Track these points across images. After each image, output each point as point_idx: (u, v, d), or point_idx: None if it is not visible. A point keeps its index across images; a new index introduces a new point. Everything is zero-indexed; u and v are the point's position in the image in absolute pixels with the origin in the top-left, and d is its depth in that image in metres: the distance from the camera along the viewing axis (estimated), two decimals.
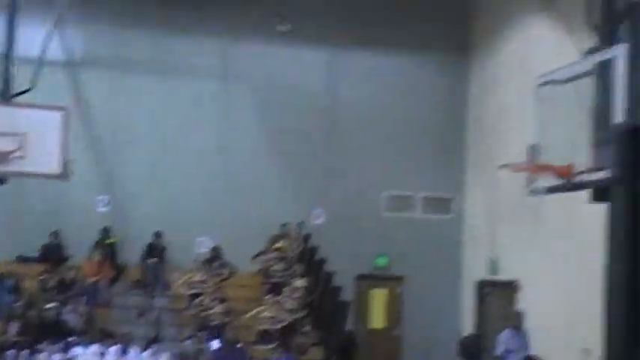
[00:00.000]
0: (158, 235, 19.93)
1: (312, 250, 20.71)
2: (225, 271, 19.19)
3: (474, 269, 21.14)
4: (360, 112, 21.63)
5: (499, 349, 14.41)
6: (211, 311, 17.74)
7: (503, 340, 14.43)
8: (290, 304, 18.38)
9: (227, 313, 17.92)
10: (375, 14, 21.75)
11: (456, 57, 22.00)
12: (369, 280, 21.64)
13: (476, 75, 21.88)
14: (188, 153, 20.86)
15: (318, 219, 21.21)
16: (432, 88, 21.99)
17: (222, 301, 18.08)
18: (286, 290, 18.68)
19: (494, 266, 20.29)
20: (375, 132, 21.60)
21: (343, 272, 20.32)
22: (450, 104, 22.03)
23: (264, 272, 19.47)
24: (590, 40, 12.07)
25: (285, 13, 21.05)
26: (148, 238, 19.98)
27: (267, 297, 18.35)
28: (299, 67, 21.55)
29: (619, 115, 10.30)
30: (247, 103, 21.37)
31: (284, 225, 20.26)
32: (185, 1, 20.98)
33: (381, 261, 21.62)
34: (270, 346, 17.69)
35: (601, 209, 14.03)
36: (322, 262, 20.48)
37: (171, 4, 20.92)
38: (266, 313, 17.96)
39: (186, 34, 21.01)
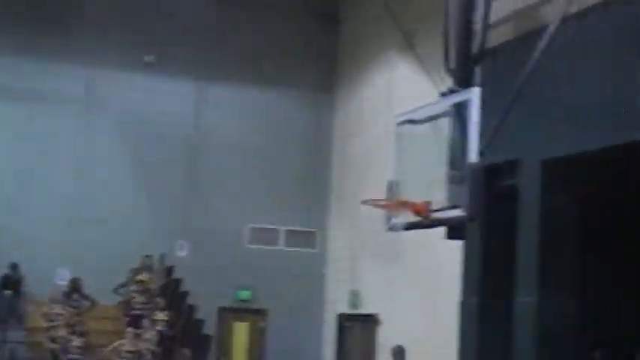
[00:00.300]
0: (14, 266, 19.43)
1: (175, 283, 20.56)
2: (85, 304, 18.85)
3: (337, 303, 21.37)
4: (226, 146, 21.69)
5: None
6: (70, 345, 17.37)
7: None
8: (151, 337, 18.18)
9: (86, 346, 17.57)
10: (243, 48, 21.90)
11: (322, 94, 22.33)
12: (232, 313, 21.60)
13: (341, 112, 22.25)
14: (47, 182, 20.47)
15: (181, 251, 21.10)
16: (297, 124, 22.25)
17: (82, 334, 17.74)
18: (148, 323, 18.47)
19: (355, 300, 20.55)
20: (241, 165, 21.69)
21: (206, 305, 20.22)
22: (315, 140, 22.32)
23: (126, 305, 19.20)
24: (448, 82, 12.46)
25: (153, 44, 20.98)
26: (3, 270, 19.45)
27: (128, 330, 18.09)
28: (164, 98, 21.48)
29: (473, 154, 10.64)
30: (111, 133, 21.14)
31: (146, 257, 20.07)
32: (50, 27, 20.67)
33: (244, 294, 21.62)
34: None
35: (458, 245, 14.45)
36: (185, 294, 20.35)
37: (36, 30, 20.58)
38: (127, 347, 17.69)
39: (50, 60, 20.68)
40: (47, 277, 19.66)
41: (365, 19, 21.29)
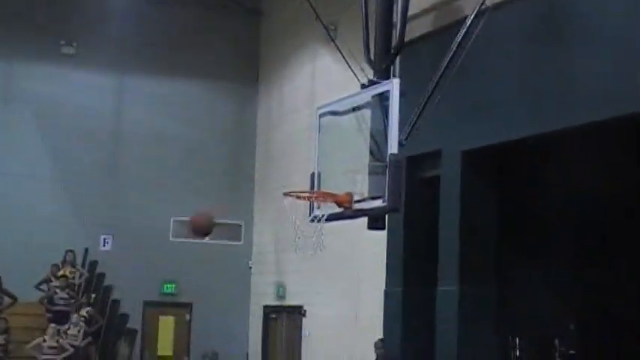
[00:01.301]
0: None
1: (99, 277, 20.36)
2: (7, 300, 18.56)
3: (262, 295, 21.39)
4: (149, 138, 21.53)
5: None
6: None
7: None
8: (74, 332, 17.99)
9: (8, 343, 17.33)
10: (166, 40, 21.74)
11: (245, 86, 22.31)
12: (157, 306, 21.47)
13: (265, 104, 22.25)
14: None
15: (104, 245, 20.90)
16: (221, 116, 22.19)
17: (4, 331, 17.47)
18: (71, 319, 18.26)
19: (280, 292, 20.60)
20: (164, 158, 21.56)
21: (130, 299, 20.06)
22: (239, 132, 22.29)
23: (48, 300, 18.96)
24: (369, 73, 12.54)
25: (72, 35, 20.70)
26: None
27: (50, 326, 17.87)
28: (85, 90, 21.23)
29: (394, 145, 10.73)
30: (30, 126, 20.83)
31: (69, 251, 19.82)
32: None
33: (169, 287, 21.51)
34: None
35: (381, 236, 14.58)
36: (109, 289, 20.17)
37: None
38: (49, 343, 17.48)
39: None
40: None
41: (287, 12, 21.31)
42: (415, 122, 12.16)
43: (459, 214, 13.03)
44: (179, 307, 21.51)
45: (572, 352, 13.27)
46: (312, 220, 12.04)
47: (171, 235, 21.66)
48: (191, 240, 21.72)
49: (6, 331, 17.45)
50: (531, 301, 13.36)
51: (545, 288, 13.50)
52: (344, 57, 13.04)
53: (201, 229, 9.34)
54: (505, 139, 12.09)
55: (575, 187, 13.53)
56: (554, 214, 13.71)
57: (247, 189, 22.13)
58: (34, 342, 17.46)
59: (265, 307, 21.21)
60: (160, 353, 21.37)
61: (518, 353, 12.80)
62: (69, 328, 17.97)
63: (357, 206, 11.40)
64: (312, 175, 12.23)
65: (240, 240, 22.22)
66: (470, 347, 12.81)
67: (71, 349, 17.58)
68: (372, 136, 11.69)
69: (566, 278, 13.80)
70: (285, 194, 12.28)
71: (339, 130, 12.43)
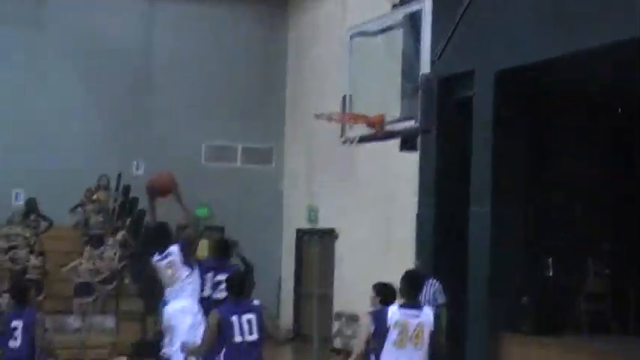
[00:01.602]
0: None
1: (132, 202, 20.54)
2: (43, 224, 18.81)
3: (295, 218, 21.51)
4: (180, 63, 21.49)
5: None
6: (29, 264, 17.38)
7: None
8: (110, 255, 18.23)
9: (45, 266, 17.60)
10: None
11: (275, 9, 22.13)
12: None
13: (296, 26, 22.08)
14: None
15: (137, 170, 21.05)
16: (251, 40, 22.06)
17: (41, 254, 17.74)
18: (106, 242, 18.50)
19: (313, 215, 20.71)
20: (195, 82, 21.53)
21: None
22: (270, 56, 22.17)
23: (83, 224, 19.19)
24: None
25: None
26: None
27: (86, 249, 18.12)
28: (116, 16, 21.16)
29: (425, 66, 10.67)
30: (62, 53, 20.84)
31: (102, 176, 19.98)
32: None
33: (202, 211, 21.65)
34: (89, 299, 17.53)
35: (413, 158, 14.57)
36: (142, 213, 20.35)
37: None
38: (85, 265, 17.74)
39: None
40: (3, 198, 19.55)
41: None
42: (447, 42, 12.06)
43: (491, 135, 12.99)
44: (212, 231, 21.67)
45: (607, 271, 13.30)
46: (345, 142, 12.07)
47: (203, 159, 21.75)
48: (223, 164, 21.83)
49: (42, 254, 17.71)
50: (564, 221, 13.36)
51: (579, 208, 13.47)
52: None
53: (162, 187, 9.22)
54: (539, 58, 11.98)
55: (609, 104, 13.42)
56: (588, 133, 13.62)
57: (278, 112, 22.10)
58: (71, 265, 17.71)
59: (298, 230, 21.34)
60: None
61: (551, 273, 12.86)
62: (104, 251, 18.20)
63: (389, 128, 11.40)
64: (344, 97, 12.22)
65: (271, 163, 22.28)
66: (502, 267, 12.87)
67: (107, 272, 17.83)
68: (403, 57, 11.63)
69: (600, 198, 13.76)
70: (317, 117, 12.28)
71: (370, 51, 12.36)
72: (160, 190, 9.13)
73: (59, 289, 17.46)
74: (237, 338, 7.91)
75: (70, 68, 20.83)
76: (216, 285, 9.71)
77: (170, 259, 9.00)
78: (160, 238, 9.24)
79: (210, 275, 9.73)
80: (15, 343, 8.48)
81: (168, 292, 9.00)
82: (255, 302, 8.36)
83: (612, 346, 12.12)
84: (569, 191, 13.51)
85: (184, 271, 8.89)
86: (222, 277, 9.49)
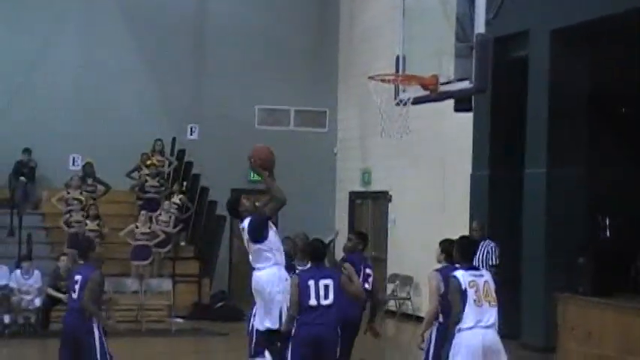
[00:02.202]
0: (27, 151, 19.50)
1: (187, 166, 20.70)
2: (100, 188, 19.04)
3: (348, 181, 21.52)
4: (234, 27, 21.50)
5: None
6: (85, 228, 17.62)
7: None
8: (166, 219, 18.42)
9: (101, 229, 17.83)
10: None
11: None
12: (245, 194, 21.73)
13: None
14: (55, 68, 20.39)
15: (191, 134, 21.18)
16: (304, 3, 22.00)
17: (96, 217, 17.97)
18: (162, 206, 18.69)
19: (366, 178, 20.70)
20: (247, 46, 21.54)
21: (218, 187, 20.37)
22: (322, 19, 22.11)
23: (139, 188, 19.40)
24: None
25: None
26: (17, 156, 19.55)
27: (142, 213, 18.32)
28: None
29: (480, 25, 10.55)
30: (116, 17, 20.95)
31: (157, 141, 20.14)
32: None
33: (255, 175, 21.73)
34: (145, 262, 17.75)
35: (467, 119, 14.48)
36: (197, 177, 20.52)
37: None
38: (141, 229, 17.96)
39: None
40: (60, 163, 19.82)
41: None
42: (502, 2, 11.91)
43: (547, 95, 12.85)
44: (265, 194, 21.75)
45: None
46: (398, 104, 12.00)
47: (256, 123, 21.81)
48: (276, 128, 21.86)
49: (98, 217, 17.94)
50: (621, 181, 13.19)
51: (636, 167, 13.30)
52: None
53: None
54: (596, 15, 11.80)
55: None
56: None
57: (331, 75, 22.05)
58: (127, 228, 17.93)
59: (351, 193, 21.36)
60: None
61: (608, 233, 12.73)
62: (160, 215, 18.39)
63: (443, 88, 11.31)
64: (397, 58, 12.14)
65: (324, 127, 22.27)
66: (558, 228, 12.77)
67: (163, 235, 18.02)
68: (457, 17, 11.50)
69: None
70: (370, 78, 12.22)
71: (423, 11, 12.24)
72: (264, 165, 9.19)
73: (116, 253, 17.69)
74: (313, 302, 8.19)
75: (126, 32, 20.96)
76: None
77: (244, 229, 9.10)
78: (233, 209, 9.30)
79: None
80: (74, 296, 8.88)
81: (251, 258, 9.14)
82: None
83: None
84: (627, 148, 13.33)
85: (258, 244, 8.97)
86: None
